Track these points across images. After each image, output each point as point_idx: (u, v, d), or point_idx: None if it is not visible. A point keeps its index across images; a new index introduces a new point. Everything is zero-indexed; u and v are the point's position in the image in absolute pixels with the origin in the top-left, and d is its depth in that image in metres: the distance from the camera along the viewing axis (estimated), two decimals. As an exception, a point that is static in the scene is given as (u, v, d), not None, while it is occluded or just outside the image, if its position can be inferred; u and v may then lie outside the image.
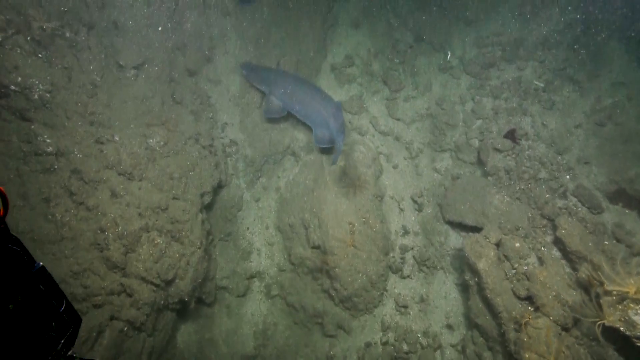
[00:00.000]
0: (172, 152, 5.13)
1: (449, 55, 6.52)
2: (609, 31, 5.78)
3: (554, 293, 4.02)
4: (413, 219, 5.69)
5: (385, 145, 6.16)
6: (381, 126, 6.23)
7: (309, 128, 6.10)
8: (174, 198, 4.92)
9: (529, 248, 4.37)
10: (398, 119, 6.31)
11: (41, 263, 1.61)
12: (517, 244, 4.37)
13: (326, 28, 6.89)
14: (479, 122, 5.82)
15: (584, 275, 3.96)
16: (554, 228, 4.40)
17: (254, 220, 5.88)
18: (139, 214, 4.53)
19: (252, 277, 5.64)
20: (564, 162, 4.99)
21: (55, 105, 4.50)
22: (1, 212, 1.51)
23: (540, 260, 4.25)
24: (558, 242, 4.32)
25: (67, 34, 4.84)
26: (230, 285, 5.51)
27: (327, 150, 5.92)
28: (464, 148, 5.72)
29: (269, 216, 5.88)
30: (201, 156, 5.40)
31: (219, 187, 5.71)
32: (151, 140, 4.97)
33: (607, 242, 4.12)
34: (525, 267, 4.22)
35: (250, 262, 5.67)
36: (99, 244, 4.24)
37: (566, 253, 4.21)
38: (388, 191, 5.86)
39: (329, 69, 6.65)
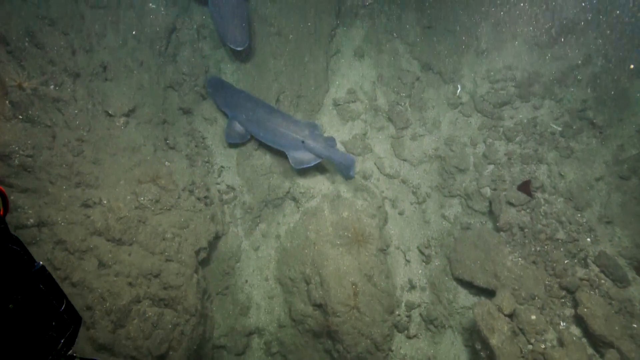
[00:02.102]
0: (164, 208, 4.85)
1: (459, 89, 6.14)
2: (633, 69, 5.37)
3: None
4: (420, 272, 5.39)
5: (391, 189, 5.84)
6: (386, 168, 5.90)
7: (309, 172, 5.79)
8: (167, 260, 4.66)
9: (547, 322, 4.06)
10: (404, 160, 5.97)
11: (41, 262, 1.61)
12: (533, 317, 4.07)
13: (328, 58, 6.51)
14: (490, 167, 5.46)
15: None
16: (575, 302, 4.08)
17: (253, 271, 5.61)
18: (129, 284, 4.27)
19: (251, 333, 5.39)
20: (584, 220, 4.64)
21: (38, 168, 4.22)
22: (1, 212, 1.52)
23: (560, 340, 3.94)
24: (579, 319, 4.01)
25: (51, 87, 4.54)
26: (229, 343, 5.27)
27: (329, 196, 5.60)
28: (475, 196, 5.38)
29: (269, 267, 5.61)
30: (196, 210, 5.12)
31: (215, 238, 5.43)
32: (142, 199, 4.69)
33: (635, 325, 3.80)
34: (543, 346, 3.92)
35: (249, 317, 5.42)
36: (84, 323, 3.99)
37: (588, 333, 3.90)
38: (393, 241, 5.56)
39: (331, 103, 6.29)
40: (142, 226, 4.58)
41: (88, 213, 4.31)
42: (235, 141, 5.70)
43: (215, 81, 5.81)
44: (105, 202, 4.42)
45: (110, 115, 5.03)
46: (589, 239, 4.55)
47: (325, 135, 5.78)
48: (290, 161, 5.35)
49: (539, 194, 4.92)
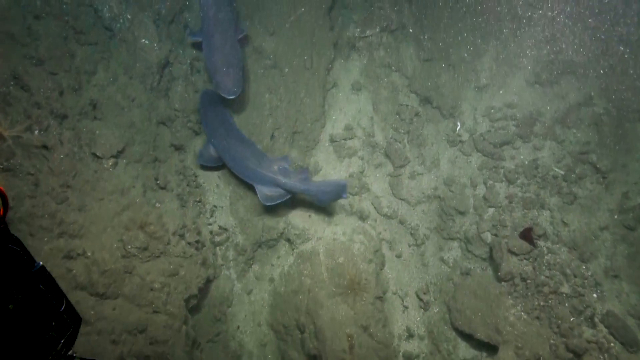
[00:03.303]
0: (153, 256, 4.66)
1: (459, 126, 6.00)
2: (636, 111, 5.25)
3: None
4: (418, 319, 5.20)
5: (389, 231, 5.66)
6: (384, 208, 5.73)
7: (304, 213, 5.62)
8: (155, 312, 4.45)
9: (552, 386, 3.87)
10: (402, 199, 5.81)
11: (41, 263, 1.61)
12: (538, 379, 3.88)
13: (325, 92, 6.38)
14: (491, 210, 5.30)
15: None
16: (581, 367, 3.91)
17: (245, 316, 5.40)
18: (113, 341, 4.06)
19: (242, 383, 5.17)
20: (589, 274, 4.47)
21: (18, 220, 4.03)
22: (1, 212, 1.57)
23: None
24: (586, 387, 3.83)
25: (36, 133, 4.37)
26: (218, 395, 5.04)
27: (324, 239, 5.42)
28: (475, 241, 5.21)
29: (262, 312, 5.40)
30: (186, 255, 4.92)
31: (207, 283, 5.22)
32: (129, 247, 4.49)
33: (645, 397, 3.62)
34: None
35: (241, 366, 5.20)
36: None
37: (596, 403, 3.72)
38: (391, 286, 5.37)
39: (328, 139, 6.14)
40: (129, 277, 4.38)
41: (70, 266, 4.12)
42: (206, 164, 5.51)
43: (207, 96, 5.55)
44: (89, 253, 4.22)
45: (98, 158, 4.85)
46: (595, 295, 4.37)
47: (299, 167, 5.51)
48: (258, 196, 5.12)
49: (541, 243, 4.75)
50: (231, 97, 5.21)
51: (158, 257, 4.70)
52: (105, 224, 4.53)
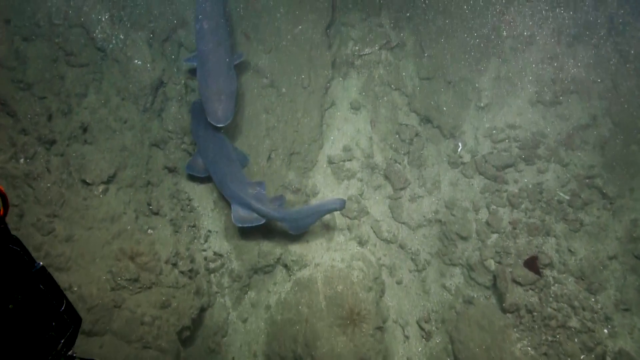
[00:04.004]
0: (144, 287, 4.48)
1: (460, 148, 5.85)
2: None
3: None
4: (420, 349, 5.01)
5: (389, 256, 5.49)
6: (384, 232, 5.56)
7: (302, 238, 5.45)
8: (145, 347, 4.26)
9: None
10: (403, 223, 5.64)
11: (41, 263, 1.60)
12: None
13: (322, 111, 6.23)
14: (494, 236, 5.13)
15: None
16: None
17: (241, 346, 5.21)
18: (100, 382, 3.87)
19: (236, 419, 4.97)
20: (599, 307, 4.29)
21: (2, 254, 3.84)
22: (1, 212, 1.51)
23: None
24: None
25: (21, 161, 4.20)
26: None
27: (322, 266, 5.25)
28: (478, 268, 5.04)
29: (258, 341, 5.21)
30: (179, 285, 4.74)
31: (201, 312, 5.04)
32: (119, 279, 4.31)
33: None
34: None
35: (235, 400, 5.00)
36: None
37: None
38: (391, 314, 5.19)
39: (326, 161, 5.98)
40: (118, 311, 4.20)
41: (57, 302, 3.93)
42: (194, 174, 5.38)
43: (199, 106, 5.38)
44: (75, 288, 4.04)
45: (88, 184, 4.69)
46: (605, 330, 4.20)
47: (276, 195, 5.35)
48: (232, 216, 5.00)
49: (547, 272, 4.58)
50: (220, 126, 5.00)
51: (149, 288, 4.52)
52: (94, 254, 4.35)
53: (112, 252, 4.43)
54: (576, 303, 4.30)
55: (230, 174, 5.12)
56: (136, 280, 4.40)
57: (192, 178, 5.56)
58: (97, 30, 5.30)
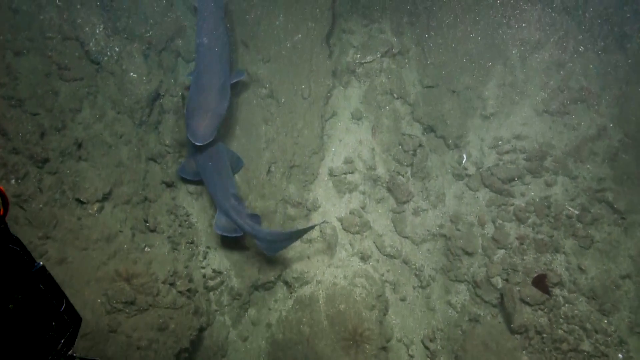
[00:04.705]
0: (141, 309, 4.35)
1: (465, 159, 5.69)
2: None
3: None
4: (425, 370, 4.87)
5: (392, 271, 5.35)
6: (387, 248, 5.42)
7: (303, 255, 5.31)
8: (141, 372, 4.14)
9: None
10: (406, 237, 5.50)
11: (41, 263, 1.60)
12: None
13: (323, 122, 6.08)
14: (501, 252, 4.99)
15: None
16: None
17: (241, 366, 5.09)
18: (95, 411, 3.74)
19: None
20: (612, 329, 4.14)
21: (-7, 280, 3.72)
22: (1, 212, 1.51)
23: None
24: None
25: (12, 182, 4.08)
26: None
27: (324, 284, 5.11)
28: (484, 285, 4.90)
29: (258, 361, 5.09)
30: (177, 306, 4.61)
31: (199, 331, 4.91)
32: (115, 302, 4.19)
33: None
34: None
35: (236, 423, 4.88)
36: None
37: None
38: (395, 333, 5.05)
39: (327, 173, 5.84)
40: (113, 336, 4.08)
41: (50, 329, 3.81)
42: (187, 177, 5.26)
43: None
44: (70, 314, 3.91)
45: (83, 203, 4.56)
46: (620, 355, 4.05)
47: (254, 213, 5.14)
48: (214, 222, 4.92)
49: (557, 291, 4.43)
50: (198, 144, 4.76)
51: (146, 310, 4.39)
52: (89, 277, 4.23)
53: (108, 274, 4.31)
54: (588, 325, 4.15)
55: (220, 180, 4.99)
56: (132, 303, 4.28)
57: (185, 180, 5.41)
58: (91, 43, 5.16)
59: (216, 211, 5.02)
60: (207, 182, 5.10)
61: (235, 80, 5.28)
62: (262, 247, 4.91)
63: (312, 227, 4.97)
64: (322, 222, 5.15)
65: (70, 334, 1.62)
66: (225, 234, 4.91)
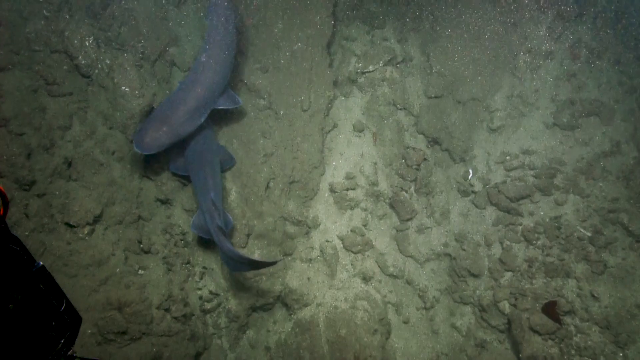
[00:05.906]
0: (134, 339, 4.18)
1: (471, 174, 5.48)
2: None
3: None
4: (429, 397, 4.71)
5: (395, 292, 5.16)
6: (389, 267, 5.23)
7: (303, 275, 5.13)
8: (134, 406, 3.99)
9: None
10: (410, 256, 5.30)
11: (41, 262, 1.60)
12: None
13: (324, 135, 5.86)
14: (508, 275, 4.79)
15: None
16: None
17: (238, 392, 4.94)
18: None
19: None
20: (626, 363, 3.97)
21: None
22: (1, 212, 1.53)
23: None
24: None
25: (-4, 209, 3.87)
26: None
27: (325, 306, 4.93)
28: (491, 309, 4.71)
29: (256, 386, 4.93)
30: (172, 333, 4.44)
31: (196, 357, 4.75)
32: (105, 332, 4.02)
33: None
34: None
35: None
36: None
37: None
38: (398, 357, 4.88)
39: (327, 189, 5.63)
40: (104, 369, 3.92)
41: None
42: (176, 172, 5.10)
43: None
44: (58, 348, 3.74)
45: (72, 227, 4.37)
46: (633, 392, 3.88)
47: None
48: (192, 220, 4.80)
49: (568, 320, 4.24)
50: (137, 151, 4.59)
51: (139, 338, 4.23)
52: (79, 306, 3.99)
53: (99, 302, 4.14)
54: (602, 358, 3.97)
55: (204, 180, 4.79)
56: (124, 332, 4.11)
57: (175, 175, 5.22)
58: (81, 55, 4.91)
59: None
60: (192, 179, 4.95)
61: (224, 107, 5.06)
62: (222, 259, 4.74)
63: (274, 263, 4.76)
64: (282, 259, 5.05)
65: (70, 334, 1.63)
66: (200, 235, 4.80)
